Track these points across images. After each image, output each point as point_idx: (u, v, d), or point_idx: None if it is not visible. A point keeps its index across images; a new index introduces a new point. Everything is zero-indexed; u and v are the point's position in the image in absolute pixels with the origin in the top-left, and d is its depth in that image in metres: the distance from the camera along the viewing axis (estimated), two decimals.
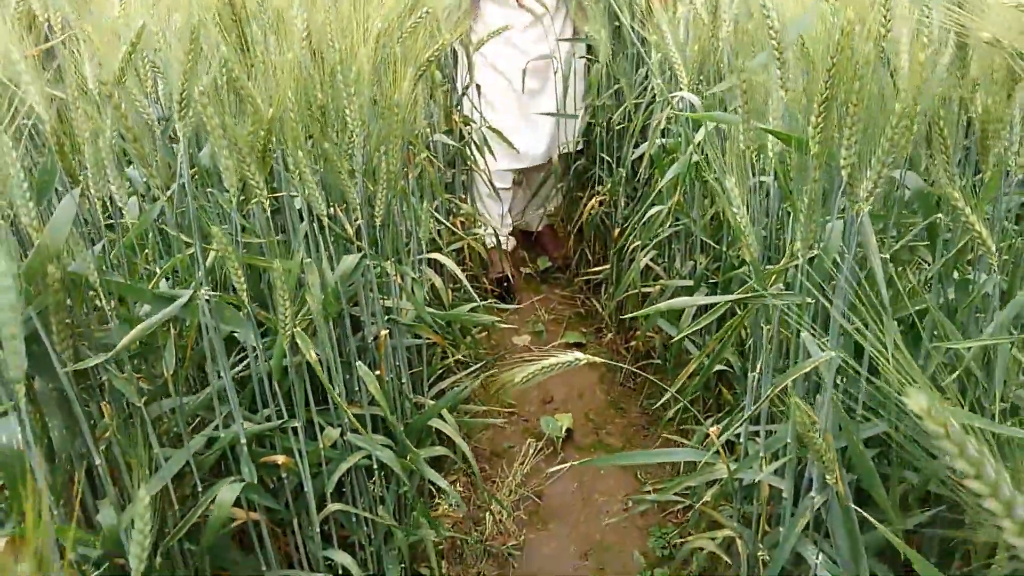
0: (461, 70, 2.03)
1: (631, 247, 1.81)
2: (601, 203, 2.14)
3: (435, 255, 1.37)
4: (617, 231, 2.00)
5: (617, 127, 2.08)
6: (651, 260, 1.69)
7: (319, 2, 1.09)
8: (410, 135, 1.12)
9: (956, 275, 0.94)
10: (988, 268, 0.80)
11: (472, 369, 1.52)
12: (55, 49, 1.10)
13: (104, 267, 0.96)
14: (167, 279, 1.07)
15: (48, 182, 0.80)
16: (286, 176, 0.98)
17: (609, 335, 2.08)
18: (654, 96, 1.86)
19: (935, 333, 0.93)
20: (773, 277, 0.93)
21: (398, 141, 1.03)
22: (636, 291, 1.69)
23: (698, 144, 1.30)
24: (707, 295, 1.44)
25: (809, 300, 0.84)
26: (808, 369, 0.80)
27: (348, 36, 1.01)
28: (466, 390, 1.46)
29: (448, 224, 1.66)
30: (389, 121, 1.01)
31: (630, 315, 1.76)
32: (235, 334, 0.99)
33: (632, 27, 1.97)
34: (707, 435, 1.27)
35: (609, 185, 2.12)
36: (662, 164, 1.52)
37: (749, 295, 0.87)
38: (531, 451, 1.70)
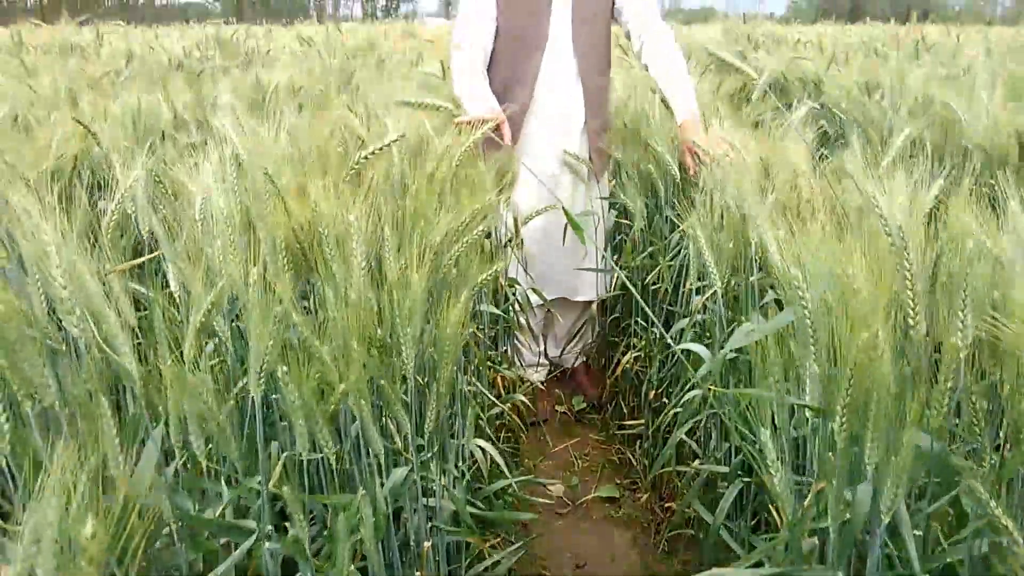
0: (503, 223, 2.14)
1: (667, 413, 1.85)
2: (636, 359, 2.19)
3: (481, 443, 1.42)
4: (652, 393, 2.04)
5: (652, 287, 2.16)
6: (686, 434, 1.72)
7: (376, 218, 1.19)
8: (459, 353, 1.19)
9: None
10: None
11: (508, 550, 1.54)
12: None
13: (173, 486, 1.03)
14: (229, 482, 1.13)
15: (136, 432, 0.89)
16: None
17: (645, 495, 2.09)
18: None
19: None
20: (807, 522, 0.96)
21: (450, 365, 1.10)
22: (671, 469, 1.72)
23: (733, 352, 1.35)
24: (742, 488, 1.47)
25: None
26: None
27: (404, 258, 1.11)
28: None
29: (488, 394, 1.72)
30: (441, 349, 1.09)
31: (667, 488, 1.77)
32: None
33: (667, 198, 2.07)
34: None
35: (644, 342, 2.17)
36: (697, 355, 1.57)
37: (782, 570, 0.90)
38: None
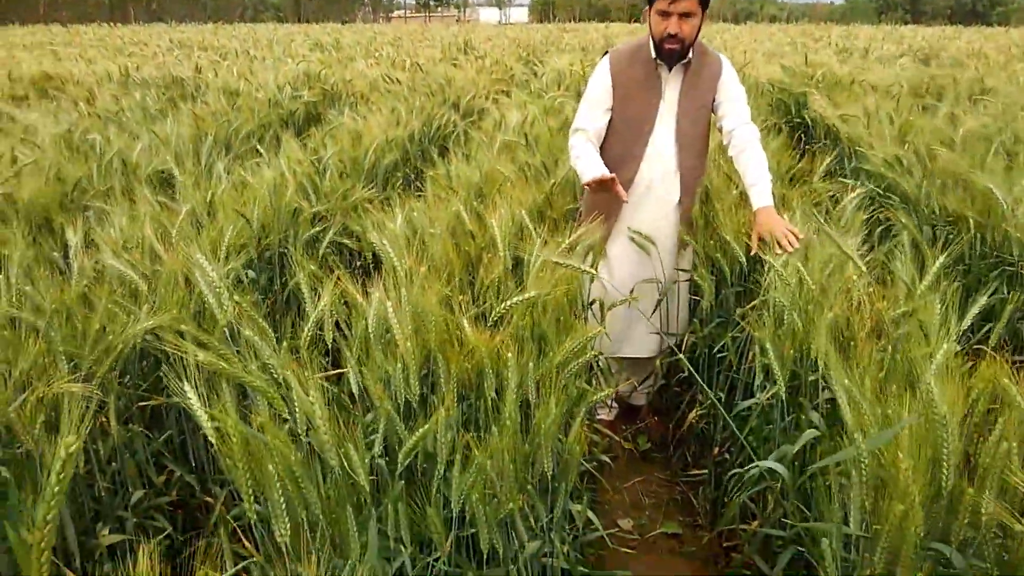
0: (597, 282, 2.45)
1: (729, 475, 2.17)
2: (701, 417, 2.51)
3: (591, 515, 1.74)
4: (716, 449, 2.36)
5: (718, 355, 2.47)
6: (748, 497, 2.04)
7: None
8: None
9: None
10: None
11: None
12: None
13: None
14: None
15: (366, 526, 1.25)
16: None
17: (707, 536, 2.41)
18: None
19: None
20: None
21: (575, 471, 1.45)
22: (733, 527, 2.04)
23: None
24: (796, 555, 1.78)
25: None
26: None
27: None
28: None
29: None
30: (569, 461, 1.44)
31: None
32: None
33: (732, 278, 2.38)
34: None
35: (708, 401, 2.49)
36: (760, 435, 1.89)
37: None
38: None
